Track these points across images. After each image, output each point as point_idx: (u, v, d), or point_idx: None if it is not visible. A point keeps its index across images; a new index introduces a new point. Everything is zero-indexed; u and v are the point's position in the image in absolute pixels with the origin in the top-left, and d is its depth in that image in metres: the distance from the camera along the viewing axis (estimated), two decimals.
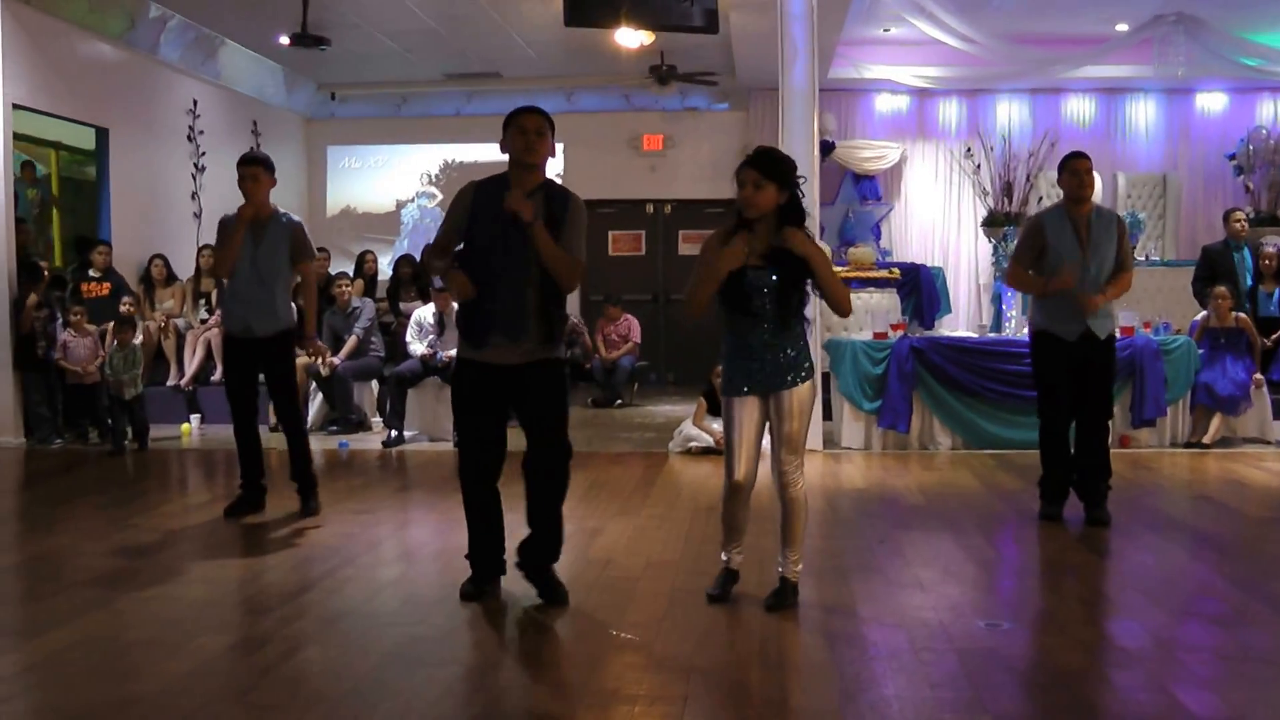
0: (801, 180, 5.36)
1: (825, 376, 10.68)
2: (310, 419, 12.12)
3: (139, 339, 11.95)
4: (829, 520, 7.50)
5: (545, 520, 5.57)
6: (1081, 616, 5.41)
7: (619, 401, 14.47)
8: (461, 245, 5.57)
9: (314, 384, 12.14)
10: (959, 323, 14.93)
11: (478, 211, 5.48)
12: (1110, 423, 7.62)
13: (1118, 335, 7.69)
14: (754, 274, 5.27)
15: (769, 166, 5.26)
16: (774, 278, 5.26)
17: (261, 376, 7.71)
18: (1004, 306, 11.71)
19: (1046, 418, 7.48)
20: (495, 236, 5.39)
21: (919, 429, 10.53)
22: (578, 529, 7.00)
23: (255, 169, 7.55)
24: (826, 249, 5.40)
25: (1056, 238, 7.24)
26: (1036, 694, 4.29)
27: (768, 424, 5.42)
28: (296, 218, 7.79)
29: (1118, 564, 6.44)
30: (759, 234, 5.30)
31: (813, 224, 10.44)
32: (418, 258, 14.15)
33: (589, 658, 4.80)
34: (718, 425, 10.10)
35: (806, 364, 5.39)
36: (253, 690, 4.38)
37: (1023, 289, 7.93)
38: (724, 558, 5.62)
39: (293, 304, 7.85)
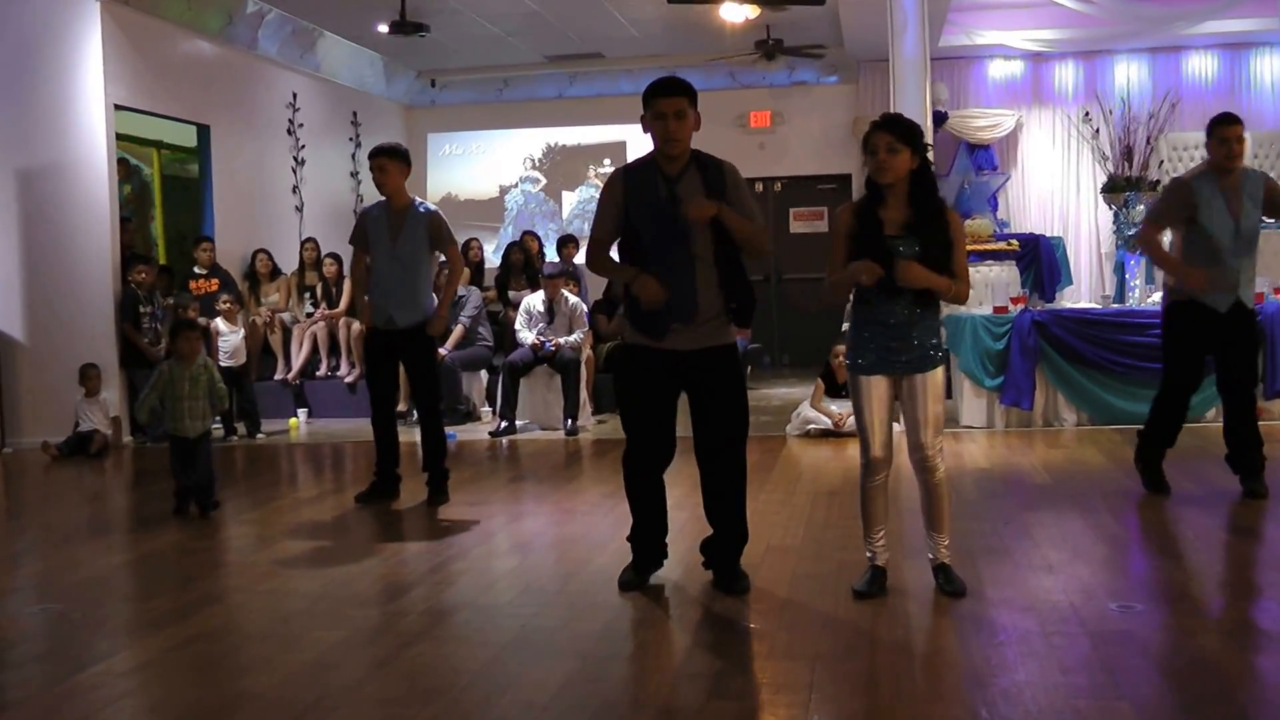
0: (929, 148, 5.20)
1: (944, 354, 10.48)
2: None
3: (239, 330, 11.94)
4: (953, 501, 7.31)
5: (727, 515, 5.43)
6: (1218, 598, 5.22)
7: None
8: (619, 238, 5.44)
9: None
10: (1081, 294, 14.61)
11: (630, 200, 5.29)
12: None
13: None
14: (894, 245, 5.05)
15: (903, 130, 5.05)
16: (916, 249, 5.03)
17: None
18: (1127, 276, 11.38)
19: (1177, 388, 7.18)
20: (653, 222, 5.23)
21: (1043, 405, 10.26)
22: (693, 515, 6.90)
23: (380, 159, 7.64)
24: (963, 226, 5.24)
25: (1208, 208, 6.87)
26: (1175, 680, 4.13)
27: (898, 404, 5.26)
28: (433, 206, 7.85)
29: (1253, 542, 6.23)
30: (892, 203, 5.11)
31: None
32: (525, 244, 14.13)
33: (711, 646, 4.71)
34: (836, 407, 9.95)
35: (939, 348, 5.23)
36: (369, 684, 4.34)
37: (1158, 260, 7.38)
38: (869, 554, 5.32)
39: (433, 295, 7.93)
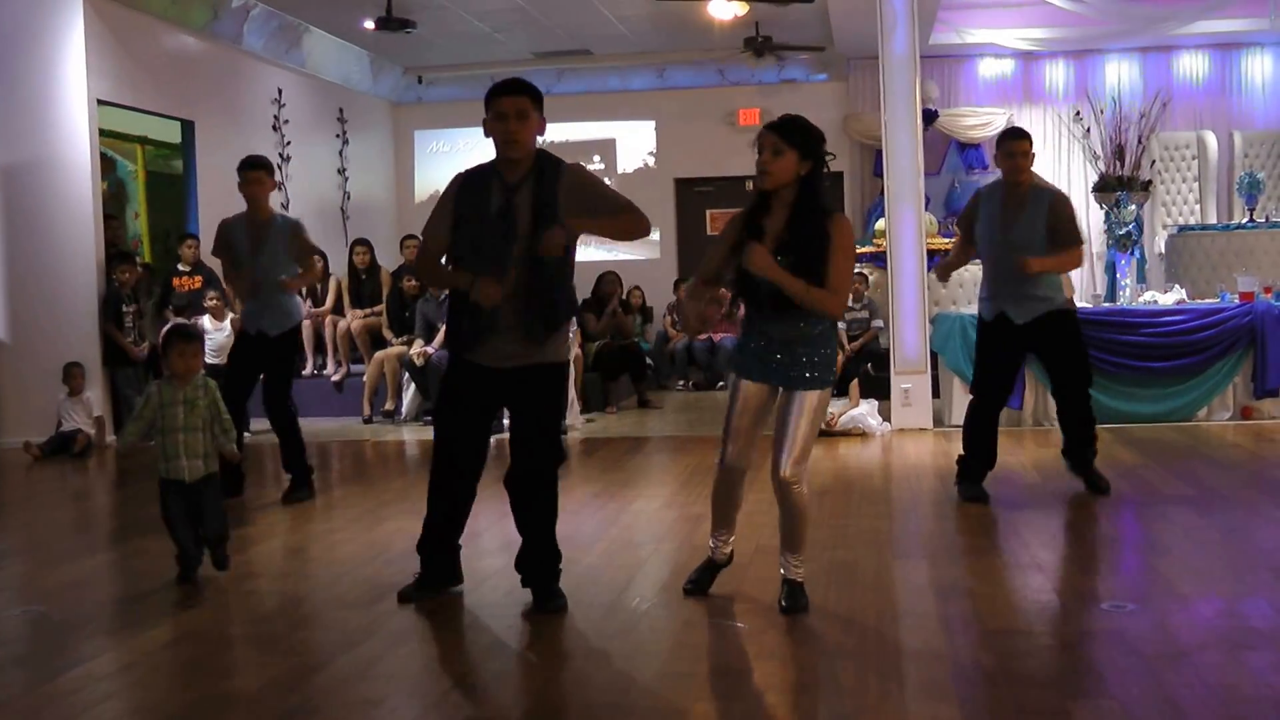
0: (830, 157, 4.87)
1: (933, 356, 10.44)
2: (404, 409, 12.12)
3: (225, 328, 11.83)
4: (942, 500, 7.32)
5: (536, 538, 5.19)
6: (1209, 596, 5.19)
7: (721, 384, 14.30)
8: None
9: (407, 374, 12.10)
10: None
11: (460, 207, 5.02)
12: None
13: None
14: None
15: (790, 131, 4.77)
16: (785, 264, 4.75)
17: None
18: (1118, 275, 11.35)
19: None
20: (480, 234, 4.95)
21: (1032, 405, 10.22)
22: (681, 515, 6.90)
23: (259, 173, 7.89)
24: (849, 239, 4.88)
25: (986, 213, 7.09)
26: (1164, 678, 4.08)
27: (770, 417, 5.01)
28: (294, 217, 8.02)
29: (1244, 541, 6.20)
30: (777, 212, 4.84)
31: (914, 195, 10.23)
32: None
33: (698, 646, 4.69)
34: (829, 407, 9.90)
35: (824, 370, 4.89)
36: (355, 686, 4.30)
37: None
38: (711, 544, 5.25)
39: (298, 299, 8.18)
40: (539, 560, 5.20)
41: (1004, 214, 6.94)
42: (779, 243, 4.79)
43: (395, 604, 5.33)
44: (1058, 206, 6.98)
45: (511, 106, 4.91)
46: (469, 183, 5.06)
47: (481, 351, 5.00)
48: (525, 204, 4.92)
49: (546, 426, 5.16)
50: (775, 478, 4.89)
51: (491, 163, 5.06)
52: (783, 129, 4.78)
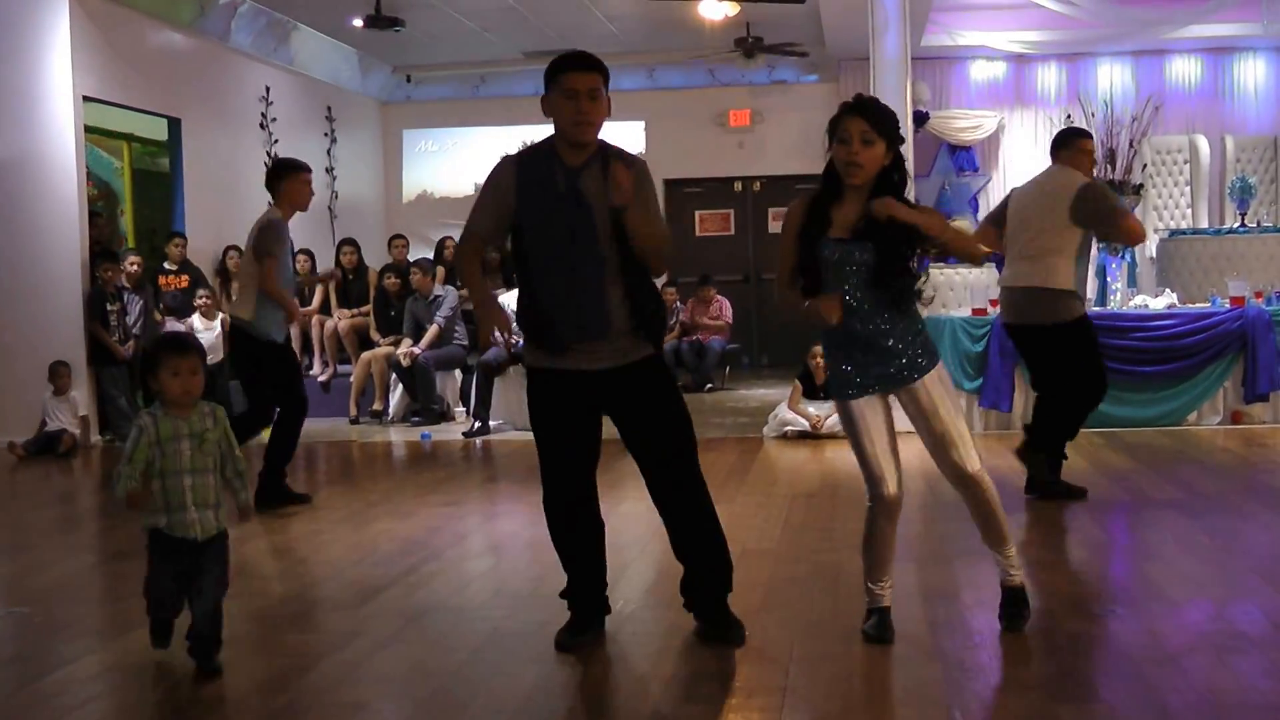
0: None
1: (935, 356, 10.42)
2: (391, 410, 12.11)
3: (216, 328, 11.79)
4: (930, 504, 7.31)
5: (699, 545, 4.60)
6: (1198, 600, 5.18)
7: (709, 385, 14.27)
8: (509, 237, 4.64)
9: (394, 375, 12.07)
10: None
11: (523, 195, 4.46)
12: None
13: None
14: (842, 249, 4.35)
15: (881, 118, 4.28)
16: (866, 255, 4.32)
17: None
18: (1109, 279, 11.33)
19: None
20: (549, 222, 4.42)
21: (1022, 408, 10.17)
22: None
23: (310, 174, 7.97)
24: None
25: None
26: (1153, 683, 4.06)
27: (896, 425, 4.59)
28: (267, 218, 7.86)
29: (1234, 545, 6.19)
30: (850, 200, 4.36)
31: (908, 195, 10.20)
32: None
33: (684, 649, 4.64)
34: (814, 409, 9.89)
35: (929, 349, 4.45)
36: (343, 687, 4.29)
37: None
38: (875, 589, 4.61)
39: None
40: (704, 576, 4.63)
41: None
42: (854, 232, 4.35)
43: (382, 605, 5.31)
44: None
45: (584, 84, 4.35)
46: (526, 162, 4.54)
47: (570, 357, 4.47)
48: (595, 191, 4.40)
49: (668, 415, 4.54)
50: (953, 477, 4.52)
51: (547, 143, 4.54)
52: (873, 115, 4.30)
